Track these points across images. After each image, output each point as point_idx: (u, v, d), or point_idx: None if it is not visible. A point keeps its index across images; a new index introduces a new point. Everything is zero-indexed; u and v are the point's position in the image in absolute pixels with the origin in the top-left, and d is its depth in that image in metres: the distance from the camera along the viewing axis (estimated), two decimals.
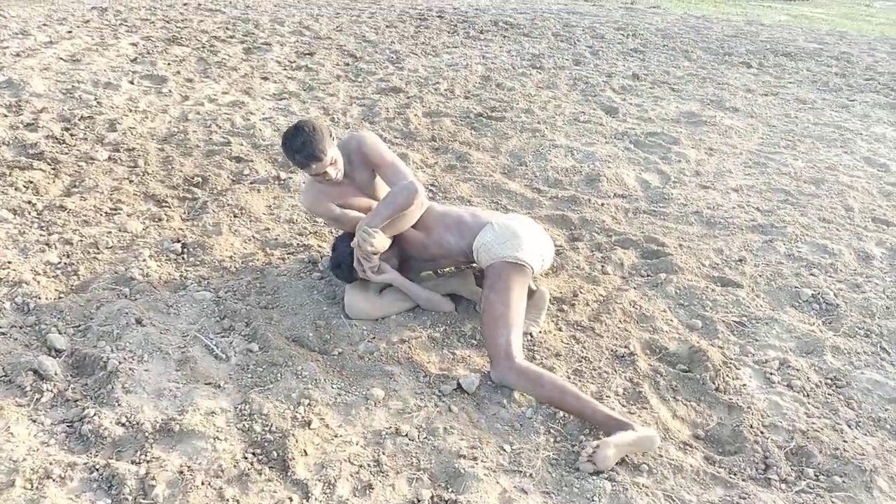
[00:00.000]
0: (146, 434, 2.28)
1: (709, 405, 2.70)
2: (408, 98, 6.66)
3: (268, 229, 3.89)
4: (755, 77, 8.56)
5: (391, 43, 9.15)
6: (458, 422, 2.51)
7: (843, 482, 2.33)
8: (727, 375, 2.82)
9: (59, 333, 2.81)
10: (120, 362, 2.61)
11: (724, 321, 3.25)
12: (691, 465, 2.35)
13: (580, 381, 2.79)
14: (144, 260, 3.41)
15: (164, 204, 4.10)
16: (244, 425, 2.40)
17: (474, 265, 3.27)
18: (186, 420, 2.35)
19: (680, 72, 8.60)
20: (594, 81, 7.85)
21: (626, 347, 3.00)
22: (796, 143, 6.08)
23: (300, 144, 2.90)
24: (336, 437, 2.39)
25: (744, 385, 2.80)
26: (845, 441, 2.51)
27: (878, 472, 2.36)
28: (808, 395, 2.77)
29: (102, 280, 3.21)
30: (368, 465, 2.27)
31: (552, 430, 2.49)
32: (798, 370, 2.91)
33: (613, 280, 3.60)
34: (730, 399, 2.71)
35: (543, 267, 3.08)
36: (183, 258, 3.52)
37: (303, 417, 2.45)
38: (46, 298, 3.03)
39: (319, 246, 3.73)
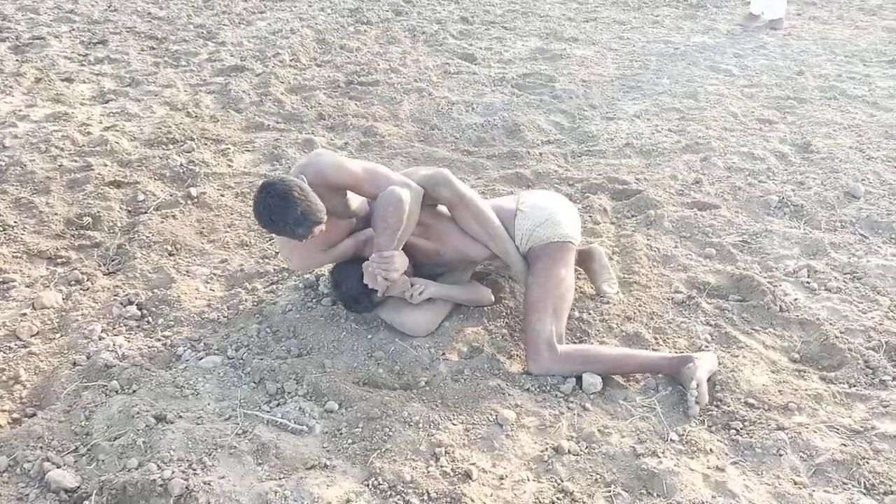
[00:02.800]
0: None
1: (783, 327, 2.79)
2: (257, 76, 5.90)
3: (225, 261, 3.22)
4: (564, 5, 8.92)
5: (188, 17, 8.00)
6: (604, 419, 2.31)
7: None
8: (778, 295, 2.93)
9: (57, 466, 2.07)
10: (184, 478, 1.99)
11: (730, 244, 3.37)
12: (825, 391, 2.41)
13: (665, 339, 2.72)
14: (102, 338, 2.64)
15: (60, 260, 3.19)
16: (396, 502, 1.97)
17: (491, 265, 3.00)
18: None
19: (499, 10, 8.67)
20: (430, 30, 7.61)
21: (678, 292, 2.98)
22: (646, 63, 6.47)
23: (300, 216, 2.32)
24: (502, 479, 2.06)
25: (795, 300, 2.93)
26: None
27: None
28: (848, 294, 2.98)
29: (65, 379, 2.41)
30: (559, 498, 2.00)
31: (675, 401, 2.39)
32: (823, 273, 3.12)
33: (609, 228, 3.55)
34: (797, 316, 2.82)
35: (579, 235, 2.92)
36: (148, 322, 2.78)
37: (454, 470, 2.07)
38: (8, 431, 2.21)
39: None
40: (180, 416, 2.27)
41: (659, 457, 2.13)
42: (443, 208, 2.76)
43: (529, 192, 2.93)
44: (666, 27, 7.83)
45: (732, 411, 2.33)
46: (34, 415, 2.30)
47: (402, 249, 2.58)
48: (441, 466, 2.09)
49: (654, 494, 2.01)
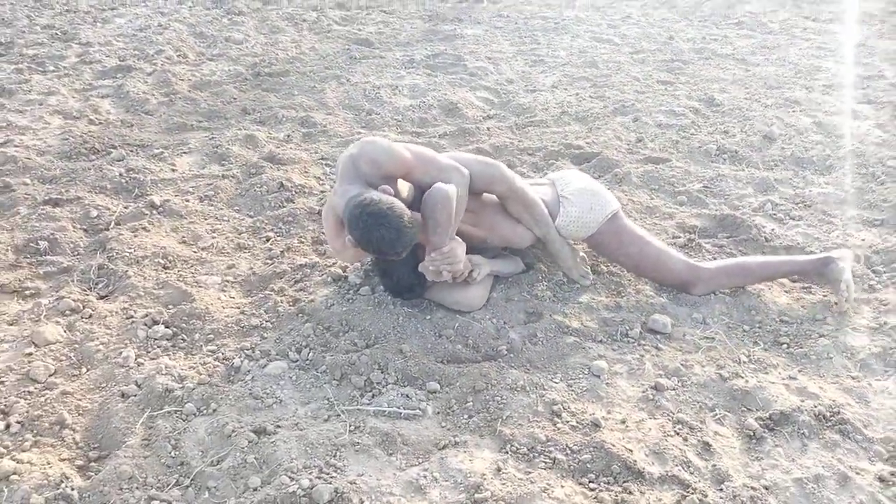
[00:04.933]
0: None
1: (774, 254, 3.15)
2: (149, 75, 5.42)
3: (232, 267, 3.00)
4: None
5: (28, 18, 7.10)
6: (679, 354, 2.50)
7: None
8: (757, 228, 3.30)
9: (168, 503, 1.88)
10: (327, 483, 1.90)
11: (695, 190, 3.72)
12: (833, 301, 2.78)
13: None
14: (141, 363, 2.38)
15: (29, 292, 2.79)
16: (543, 461, 2.02)
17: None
18: (506, 487, 1.88)
19: None
20: (310, 18, 7.41)
21: (676, 237, 3.25)
22: (535, 39, 6.81)
23: (408, 241, 2.34)
24: (624, 422, 2.18)
25: (773, 230, 3.32)
26: (881, 238, 3.24)
27: None
28: (808, 220, 3.43)
29: (123, 413, 2.16)
30: (679, 429, 2.16)
31: (731, 325, 2.66)
32: (782, 205, 3.55)
33: None
34: (781, 243, 3.20)
35: None
36: (183, 339, 2.54)
37: (580, 422, 2.16)
38: (83, 480, 1.95)
39: (314, 253, 3.04)
40: (279, 427, 2.13)
41: (742, 377, 2.36)
42: (489, 196, 2.78)
43: (562, 176, 2.99)
44: (535, 4, 8.24)
45: (776, 329, 2.63)
46: (105, 456, 2.04)
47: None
48: (566, 422, 2.16)
49: (755, 409, 2.23)
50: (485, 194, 2.76)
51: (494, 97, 5.15)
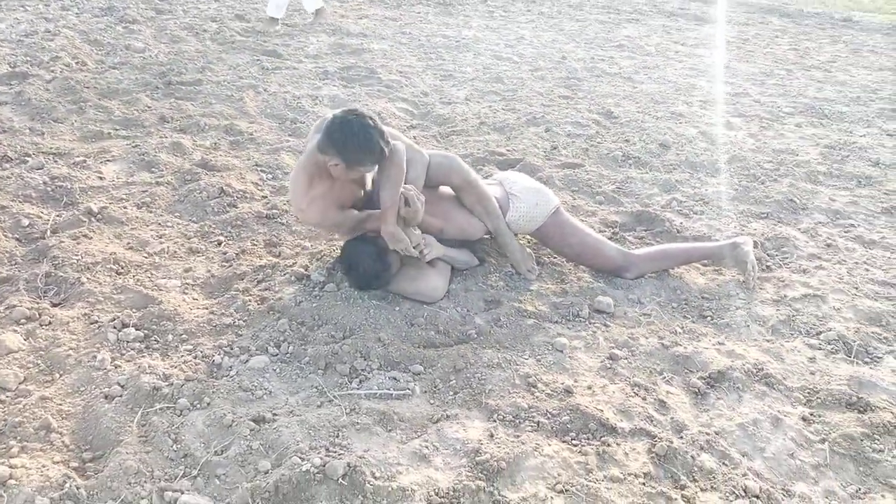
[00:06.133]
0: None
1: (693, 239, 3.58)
2: (49, 83, 5.16)
3: (189, 270, 2.99)
4: (328, 2, 9.17)
5: None
6: (624, 329, 2.81)
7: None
8: (670, 221, 3.73)
9: (180, 493, 1.93)
10: (336, 458, 2.01)
11: (610, 191, 4.13)
12: (741, 280, 3.23)
13: None
14: (119, 365, 2.36)
15: None
16: (529, 425, 2.24)
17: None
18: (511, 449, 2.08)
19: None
20: (210, 28, 7.32)
21: (601, 231, 3.61)
22: (440, 55, 7.12)
23: (378, 133, 2.58)
24: (590, 388, 2.45)
25: (681, 223, 3.76)
26: (769, 228, 3.75)
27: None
28: (708, 214, 3.91)
29: (113, 413, 2.15)
30: (637, 391, 2.46)
31: (662, 303, 3.02)
32: (685, 202, 4.03)
33: None
34: (691, 234, 3.64)
35: None
36: (157, 340, 2.53)
37: (554, 390, 2.40)
38: (85, 479, 1.95)
39: (269, 255, 3.10)
40: (275, 414, 2.21)
41: (681, 345, 2.71)
42: (445, 189, 2.98)
43: (507, 177, 3.24)
44: (432, 23, 8.58)
45: (699, 305, 3.02)
46: (100, 457, 2.02)
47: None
48: (542, 391, 2.39)
49: (695, 370, 2.58)
50: (441, 187, 2.96)
51: (413, 108, 5.37)
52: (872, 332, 2.85)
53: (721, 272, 3.30)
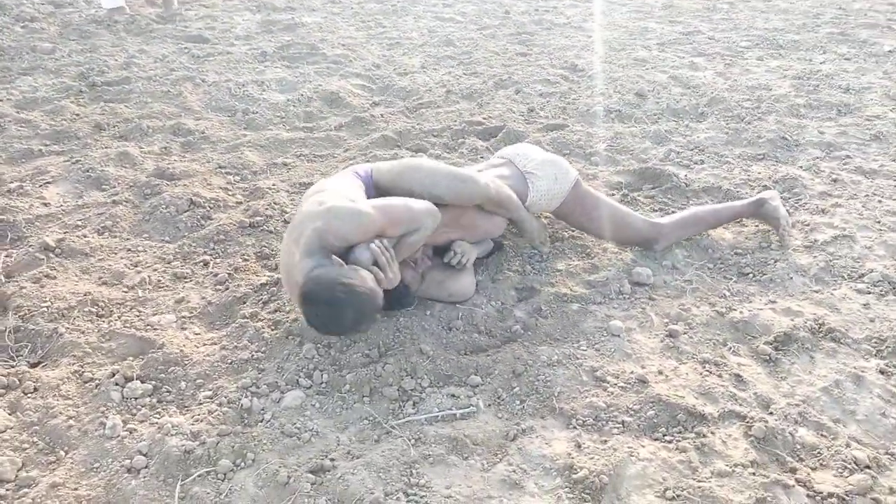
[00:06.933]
0: None
1: (697, 196, 3.42)
2: None
3: (181, 301, 2.62)
4: None
5: None
6: (672, 301, 2.63)
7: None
8: (676, 175, 3.57)
9: None
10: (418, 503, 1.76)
11: (603, 150, 3.92)
12: (755, 226, 3.10)
13: None
14: (135, 429, 2.01)
15: None
16: (615, 426, 2.04)
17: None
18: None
19: None
20: (122, 18, 6.64)
21: (611, 195, 3.41)
22: (379, 22, 6.70)
23: (355, 320, 2.11)
24: (661, 373, 2.26)
25: (686, 176, 3.60)
26: (771, 169, 3.63)
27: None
28: (709, 163, 3.76)
29: (145, 490, 1.81)
30: (708, 368, 2.29)
31: (702, 269, 2.86)
32: (682, 153, 3.87)
33: None
34: (698, 186, 3.49)
35: None
36: (168, 391, 2.18)
37: (627, 382, 2.20)
38: None
39: (265, 269, 2.75)
40: (332, 459, 1.92)
41: (735, 309, 2.55)
42: None
43: (517, 152, 2.93)
44: None
45: (736, 262, 2.86)
46: None
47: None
48: (614, 384, 2.19)
49: (758, 336, 2.43)
50: None
51: (370, 83, 4.99)
52: None
53: (744, 223, 3.16)
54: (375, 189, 2.53)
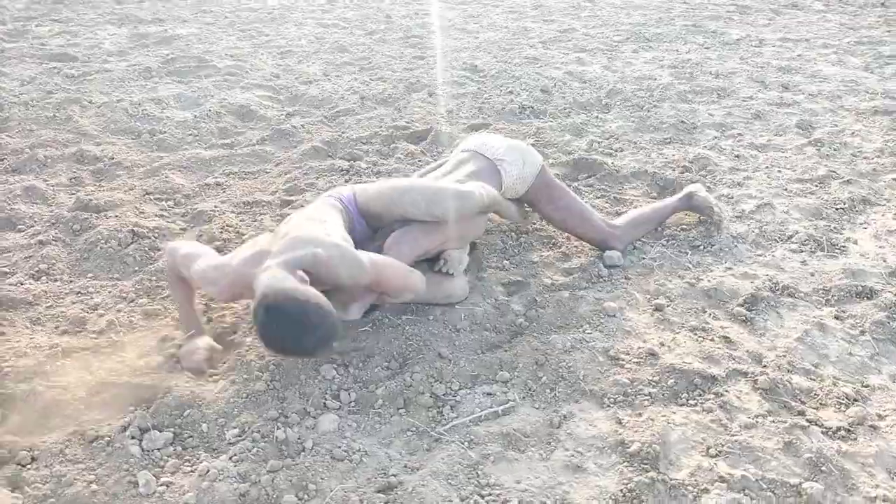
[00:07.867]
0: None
1: (628, 181, 3.68)
2: None
3: (165, 339, 2.42)
4: None
5: None
6: (649, 277, 2.84)
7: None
8: (604, 164, 3.81)
9: None
10: (506, 500, 1.80)
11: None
12: None
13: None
14: (171, 482, 1.86)
15: None
16: (644, 399, 2.18)
17: None
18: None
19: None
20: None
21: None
22: (258, 28, 6.48)
23: (318, 340, 2.03)
24: (662, 345, 2.44)
25: (613, 163, 3.86)
26: (682, 152, 3.98)
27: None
28: (632, 147, 4.06)
29: None
30: (697, 334, 2.50)
31: (665, 243, 3.10)
32: (603, 141, 4.14)
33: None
34: (629, 172, 3.76)
35: None
36: (190, 436, 2.02)
37: (639, 356, 2.35)
38: None
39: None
40: (394, 475, 1.90)
41: (702, 279, 2.80)
42: None
43: (482, 143, 2.96)
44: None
45: (686, 237, 3.13)
46: None
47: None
48: (629, 361, 2.33)
49: (729, 300, 2.68)
50: None
51: (276, 94, 4.84)
52: (824, 226, 3.18)
53: None
54: (363, 216, 2.51)
